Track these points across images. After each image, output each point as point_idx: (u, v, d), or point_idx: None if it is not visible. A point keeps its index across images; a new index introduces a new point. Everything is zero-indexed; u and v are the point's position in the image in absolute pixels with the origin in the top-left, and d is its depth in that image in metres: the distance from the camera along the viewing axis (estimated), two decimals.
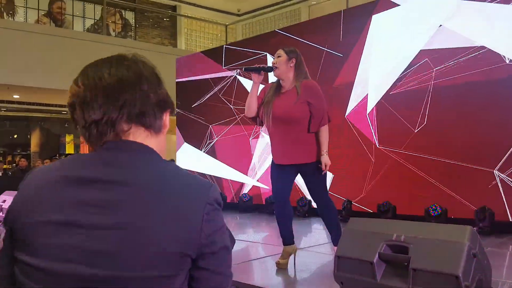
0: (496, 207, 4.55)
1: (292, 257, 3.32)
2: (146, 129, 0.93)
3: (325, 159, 3.23)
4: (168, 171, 0.91)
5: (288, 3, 12.12)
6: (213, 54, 7.84)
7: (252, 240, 4.66)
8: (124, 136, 0.91)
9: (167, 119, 0.99)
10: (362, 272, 2.25)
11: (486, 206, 4.53)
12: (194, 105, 7.96)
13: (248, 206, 6.85)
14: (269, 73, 3.46)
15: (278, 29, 7.10)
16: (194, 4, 13.70)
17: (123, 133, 0.91)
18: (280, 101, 3.25)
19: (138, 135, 0.93)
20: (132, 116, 0.91)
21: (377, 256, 2.21)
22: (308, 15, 11.91)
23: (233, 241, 3.55)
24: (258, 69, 3.27)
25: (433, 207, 4.90)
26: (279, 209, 3.35)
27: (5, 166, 10.87)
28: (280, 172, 3.33)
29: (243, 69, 3.46)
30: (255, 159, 6.98)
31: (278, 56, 3.28)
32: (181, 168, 0.94)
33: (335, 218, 3.32)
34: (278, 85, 3.32)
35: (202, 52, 8.42)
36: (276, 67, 3.26)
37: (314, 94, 3.27)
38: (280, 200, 3.35)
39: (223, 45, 7.84)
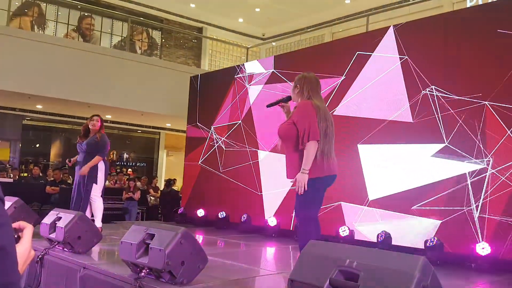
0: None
1: None
2: None
3: (299, 177, 3.27)
4: None
5: (312, 29, 12.24)
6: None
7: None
8: None
9: None
10: None
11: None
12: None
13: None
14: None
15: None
16: (220, 27, 13.98)
17: None
18: None
19: None
20: None
21: (328, 282, 2.12)
22: None
23: (205, 260, 3.44)
24: (277, 102, 3.69)
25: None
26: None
27: (25, 174, 11.13)
28: None
29: (266, 106, 3.86)
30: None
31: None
32: None
33: (302, 243, 3.23)
34: None
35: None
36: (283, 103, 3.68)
37: (296, 112, 3.44)
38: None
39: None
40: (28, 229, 0.87)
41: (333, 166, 3.38)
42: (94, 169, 5.41)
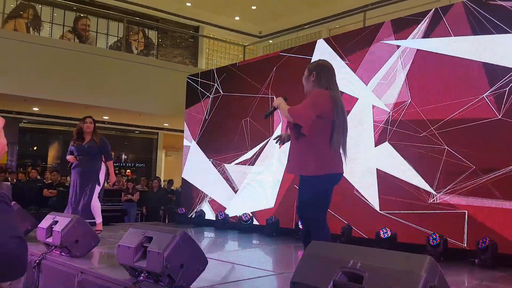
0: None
1: None
2: None
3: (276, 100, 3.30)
4: None
5: (309, 26, 12.16)
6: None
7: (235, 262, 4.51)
8: None
9: None
10: None
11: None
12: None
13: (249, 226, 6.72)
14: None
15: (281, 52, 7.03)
16: (217, 26, 13.88)
17: None
18: None
19: None
20: None
21: (331, 284, 2.06)
22: None
23: (204, 262, 3.37)
24: (274, 109, 3.39)
25: (433, 236, 4.65)
26: (301, 230, 3.32)
27: (23, 177, 11.02)
28: (299, 185, 3.22)
29: (264, 117, 3.55)
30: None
31: (304, 74, 3.32)
32: None
33: None
34: None
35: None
36: (287, 99, 3.33)
37: (310, 96, 3.17)
38: (300, 219, 3.25)
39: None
40: None
41: (341, 163, 3.15)
42: (98, 171, 5.47)
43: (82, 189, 5.43)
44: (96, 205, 5.49)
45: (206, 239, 5.93)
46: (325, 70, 3.21)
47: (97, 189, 5.47)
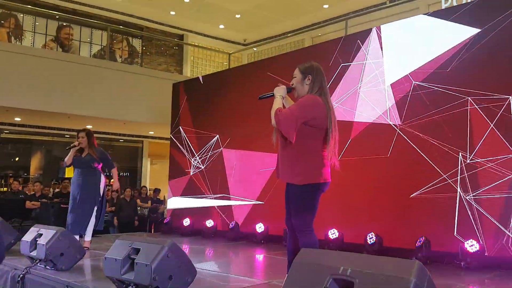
0: None
1: None
2: None
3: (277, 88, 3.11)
4: None
5: (293, 34, 12.26)
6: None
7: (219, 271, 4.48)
8: None
9: None
10: None
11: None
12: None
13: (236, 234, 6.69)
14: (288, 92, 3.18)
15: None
16: (201, 34, 13.90)
17: None
18: None
19: None
20: None
21: None
22: None
23: (193, 273, 3.32)
24: (271, 96, 3.15)
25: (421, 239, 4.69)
26: (288, 238, 3.24)
27: (4, 189, 10.86)
28: (286, 193, 3.16)
29: (258, 98, 3.28)
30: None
31: (294, 77, 3.14)
32: None
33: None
34: None
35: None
36: (294, 88, 3.13)
37: (301, 100, 3.06)
38: (288, 228, 3.20)
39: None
40: None
41: (329, 171, 3.07)
42: (98, 184, 5.41)
43: (82, 203, 5.31)
44: (91, 220, 5.35)
45: (193, 249, 5.88)
46: (320, 74, 3.08)
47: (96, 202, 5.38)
